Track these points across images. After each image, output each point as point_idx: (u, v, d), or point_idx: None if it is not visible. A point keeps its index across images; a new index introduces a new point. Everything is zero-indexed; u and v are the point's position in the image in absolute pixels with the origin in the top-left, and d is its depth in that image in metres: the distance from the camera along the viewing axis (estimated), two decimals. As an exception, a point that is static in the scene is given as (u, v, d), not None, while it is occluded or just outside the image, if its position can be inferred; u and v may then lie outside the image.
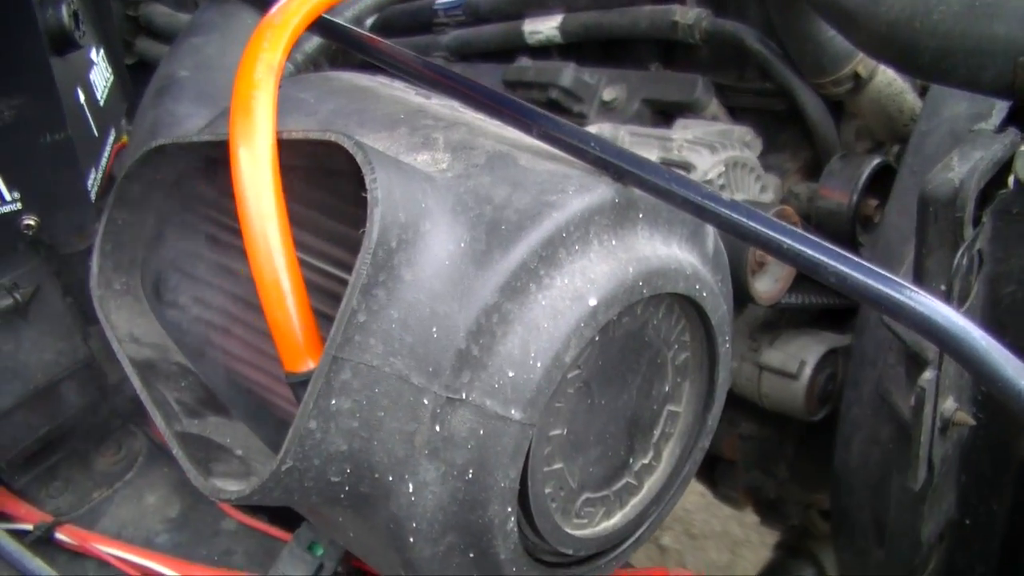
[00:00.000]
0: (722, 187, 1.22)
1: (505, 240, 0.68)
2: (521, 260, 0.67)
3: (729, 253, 0.89)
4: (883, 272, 0.64)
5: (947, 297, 0.87)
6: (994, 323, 0.96)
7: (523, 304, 0.68)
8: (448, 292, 0.67)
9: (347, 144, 0.66)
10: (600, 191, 0.72)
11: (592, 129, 1.30)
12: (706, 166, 1.18)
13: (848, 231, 1.28)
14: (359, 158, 0.65)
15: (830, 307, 1.35)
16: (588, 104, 1.40)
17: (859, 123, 1.39)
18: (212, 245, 0.86)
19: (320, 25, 0.87)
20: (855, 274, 0.63)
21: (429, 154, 0.76)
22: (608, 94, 1.40)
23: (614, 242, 0.73)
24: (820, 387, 1.31)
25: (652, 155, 1.22)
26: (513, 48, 1.55)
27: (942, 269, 0.90)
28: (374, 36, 0.91)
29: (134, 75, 1.28)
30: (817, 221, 1.30)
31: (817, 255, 0.65)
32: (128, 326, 0.87)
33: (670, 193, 0.70)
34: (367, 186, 0.64)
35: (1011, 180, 0.90)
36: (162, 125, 1.11)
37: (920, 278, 0.91)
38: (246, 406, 0.86)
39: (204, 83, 1.17)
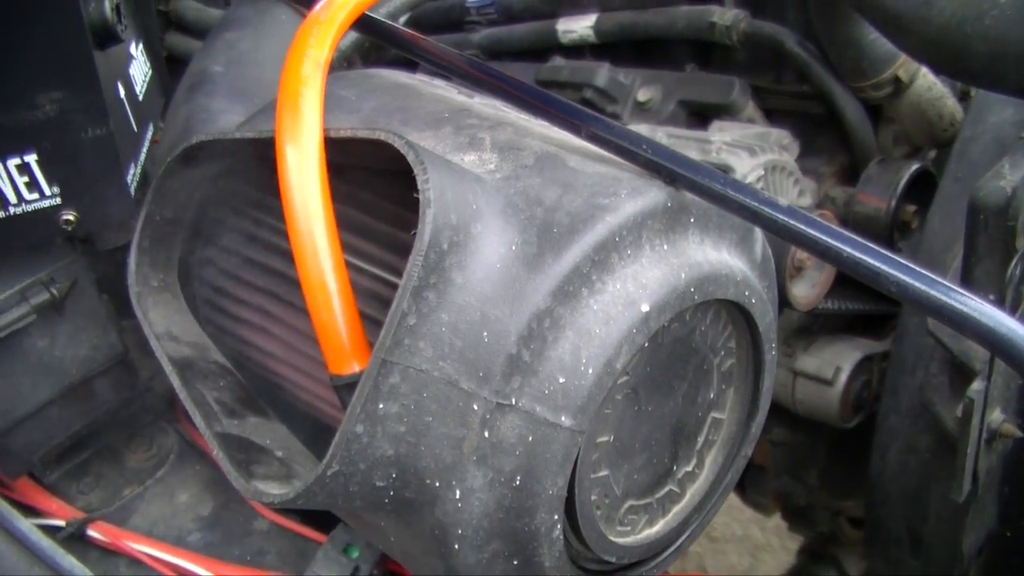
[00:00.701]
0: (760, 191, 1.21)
1: (557, 243, 0.66)
2: (574, 264, 0.66)
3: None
4: (945, 283, 0.62)
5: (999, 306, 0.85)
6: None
7: (575, 309, 0.67)
8: (499, 296, 0.65)
9: (398, 143, 0.65)
10: (653, 194, 0.70)
11: (629, 130, 1.29)
12: (745, 169, 1.17)
13: (886, 237, 1.26)
14: (411, 158, 0.64)
15: (866, 313, 1.34)
16: (622, 105, 1.39)
17: (897, 128, 1.37)
18: (252, 243, 0.85)
19: (363, 22, 0.86)
20: (917, 284, 0.62)
21: (476, 154, 0.75)
22: (643, 95, 1.38)
23: (666, 247, 0.71)
24: (855, 394, 1.30)
25: (690, 157, 1.21)
26: (546, 47, 1.53)
27: (991, 278, 0.88)
28: (416, 34, 0.90)
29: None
30: (854, 226, 1.28)
31: (878, 264, 0.63)
32: (166, 324, 0.86)
33: (725, 198, 0.69)
34: (419, 186, 0.63)
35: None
36: (196, 121, 1.10)
37: (968, 286, 0.89)
38: (283, 408, 0.86)
39: (238, 79, 1.16)
